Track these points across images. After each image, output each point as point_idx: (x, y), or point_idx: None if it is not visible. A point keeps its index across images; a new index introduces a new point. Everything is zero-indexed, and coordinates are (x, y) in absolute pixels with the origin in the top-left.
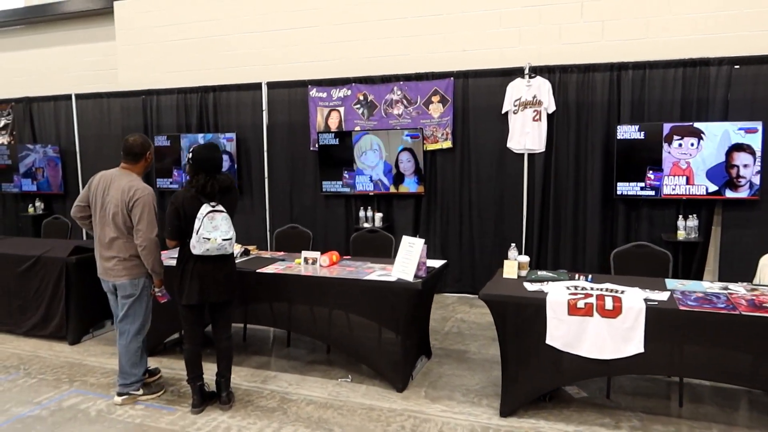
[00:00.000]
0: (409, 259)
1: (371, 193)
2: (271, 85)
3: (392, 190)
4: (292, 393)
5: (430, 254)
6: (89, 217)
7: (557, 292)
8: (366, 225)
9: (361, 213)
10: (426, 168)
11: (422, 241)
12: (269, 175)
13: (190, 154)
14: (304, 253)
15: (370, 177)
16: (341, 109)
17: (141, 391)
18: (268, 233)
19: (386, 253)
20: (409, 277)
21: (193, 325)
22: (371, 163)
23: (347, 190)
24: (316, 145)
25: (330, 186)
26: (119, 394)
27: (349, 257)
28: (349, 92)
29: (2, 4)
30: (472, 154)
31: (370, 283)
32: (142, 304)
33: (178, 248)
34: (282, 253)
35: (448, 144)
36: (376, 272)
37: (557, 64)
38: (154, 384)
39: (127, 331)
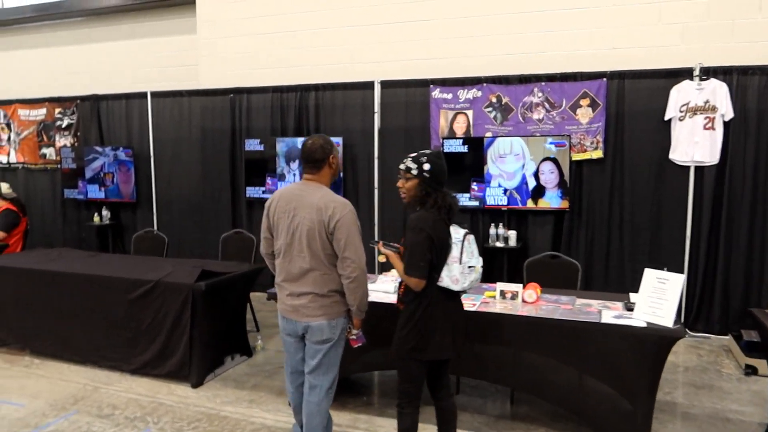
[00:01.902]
0: (664, 298)
1: (504, 208)
2: (386, 84)
3: (530, 204)
4: None
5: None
6: None
7: None
8: (498, 244)
9: (492, 230)
10: (571, 180)
11: (682, 276)
12: (380, 185)
13: (426, 165)
14: (500, 285)
15: (504, 189)
16: (469, 113)
17: None
18: (377, 253)
19: (570, 283)
20: (668, 321)
21: (420, 384)
22: (506, 174)
23: (476, 204)
24: None
25: None
26: None
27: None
28: (480, 93)
29: None
30: (626, 166)
31: (614, 329)
32: (338, 351)
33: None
34: None
35: (598, 154)
36: (604, 312)
37: (735, 65)
38: None
39: (320, 386)
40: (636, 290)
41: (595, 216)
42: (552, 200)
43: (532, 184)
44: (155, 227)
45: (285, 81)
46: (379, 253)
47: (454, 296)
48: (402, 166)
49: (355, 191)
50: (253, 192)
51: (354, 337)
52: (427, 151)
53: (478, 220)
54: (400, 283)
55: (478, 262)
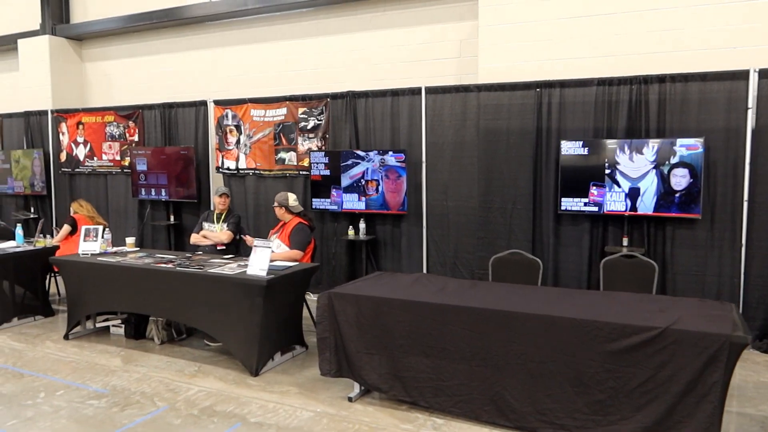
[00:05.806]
0: None
1: None
2: (765, 74)
3: None
4: None
5: None
6: None
7: None
8: None
9: None
10: None
11: None
12: (750, 198)
13: None
14: None
15: None
16: None
17: None
18: (742, 281)
19: None
20: None
21: None
22: None
23: None
24: None
25: None
26: None
27: None
28: None
29: None
30: None
31: None
32: None
33: None
34: None
35: None
36: None
37: None
38: None
39: None
40: None
41: None
42: None
43: None
44: (425, 244)
45: (606, 72)
46: None
47: None
48: None
49: (711, 204)
50: (571, 204)
51: None
52: None
53: None
54: None
55: None
